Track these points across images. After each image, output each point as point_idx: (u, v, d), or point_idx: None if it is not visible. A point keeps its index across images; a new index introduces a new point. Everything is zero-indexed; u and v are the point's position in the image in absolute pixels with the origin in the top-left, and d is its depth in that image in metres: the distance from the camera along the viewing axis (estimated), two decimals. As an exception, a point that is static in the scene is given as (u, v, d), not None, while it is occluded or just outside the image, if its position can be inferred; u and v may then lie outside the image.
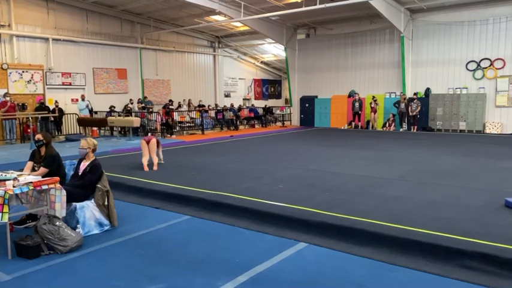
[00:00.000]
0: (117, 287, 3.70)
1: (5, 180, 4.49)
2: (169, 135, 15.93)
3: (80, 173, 5.43)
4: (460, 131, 16.65)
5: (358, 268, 4.05)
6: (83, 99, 16.82)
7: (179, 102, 20.46)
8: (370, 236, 4.59)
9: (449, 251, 4.11)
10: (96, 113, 17.22)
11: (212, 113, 19.42)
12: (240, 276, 3.87)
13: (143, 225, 5.46)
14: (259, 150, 11.85)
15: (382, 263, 4.14)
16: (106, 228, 5.28)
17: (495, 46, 16.06)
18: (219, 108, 20.22)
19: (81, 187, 5.28)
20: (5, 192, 4.27)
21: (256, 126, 20.83)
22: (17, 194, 4.45)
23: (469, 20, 16.47)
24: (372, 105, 18.18)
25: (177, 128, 17.36)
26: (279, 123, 21.75)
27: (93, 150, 5.52)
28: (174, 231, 5.27)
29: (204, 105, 20.42)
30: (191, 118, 18.74)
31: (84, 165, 5.44)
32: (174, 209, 6.16)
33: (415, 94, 17.42)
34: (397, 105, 17.78)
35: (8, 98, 14.06)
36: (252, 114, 21.25)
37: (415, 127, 17.16)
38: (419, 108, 16.97)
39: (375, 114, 18.27)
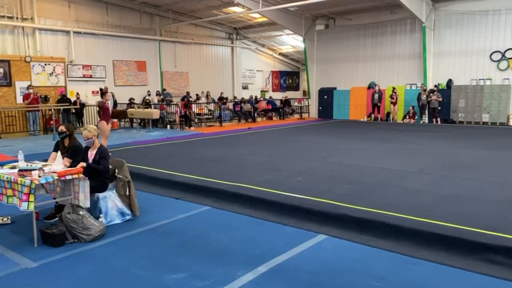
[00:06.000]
0: (138, 276, 3.77)
1: (30, 170, 4.60)
2: (187, 127, 16.04)
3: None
4: (483, 123, 16.25)
5: (379, 261, 4.02)
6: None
7: (196, 95, 20.54)
8: (390, 228, 4.55)
9: (472, 244, 4.04)
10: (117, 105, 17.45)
11: (230, 105, 19.45)
12: (260, 266, 3.89)
13: (164, 215, 5.54)
14: (277, 142, 11.83)
15: (403, 256, 4.10)
16: (128, 217, 5.38)
17: (521, 36, 15.59)
18: (237, 100, 20.21)
19: (100, 174, 5.31)
20: (31, 182, 4.39)
21: (274, 118, 20.77)
22: (42, 184, 4.56)
23: (493, 9, 15.98)
24: (392, 98, 17.88)
25: (196, 120, 17.47)
26: (296, 116, 21.64)
27: (97, 136, 5.55)
28: (194, 221, 5.33)
29: (224, 98, 20.43)
30: (209, 110, 18.81)
31: (92, 154, 5.40)
32: (193, 200, 6.22)
33: (435, 86, 17.06)
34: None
35: (31, 90, 14.35)
36: (270, 106, 21.19)
37: (438, 119, 16.81)
38: (438, 99, 16.60)
39: (394, 106, 17.98)
